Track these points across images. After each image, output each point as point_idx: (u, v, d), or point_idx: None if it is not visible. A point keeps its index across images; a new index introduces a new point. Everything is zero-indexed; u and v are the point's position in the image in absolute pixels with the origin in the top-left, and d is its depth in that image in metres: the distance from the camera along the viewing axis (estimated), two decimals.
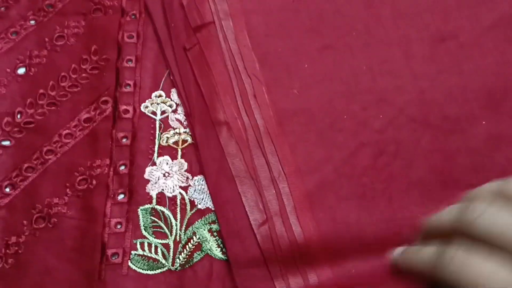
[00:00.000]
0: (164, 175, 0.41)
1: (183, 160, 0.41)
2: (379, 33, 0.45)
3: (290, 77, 0.43)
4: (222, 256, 0.38)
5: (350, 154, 0.40)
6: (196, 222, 0.39)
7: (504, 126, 0.41)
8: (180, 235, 0.39)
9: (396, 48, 0.44)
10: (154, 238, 0.39)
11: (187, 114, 0.43)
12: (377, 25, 0.45)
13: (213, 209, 0.40)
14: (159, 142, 0.42)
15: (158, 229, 0.39)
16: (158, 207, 0.40)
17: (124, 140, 0.42)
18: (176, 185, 0.41)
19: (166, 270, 0.38)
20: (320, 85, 0.43)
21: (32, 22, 0.46)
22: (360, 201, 0.39)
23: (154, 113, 0.43)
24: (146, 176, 0.41)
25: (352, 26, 0.45)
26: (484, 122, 0.41)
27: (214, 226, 0.39)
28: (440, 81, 0.42)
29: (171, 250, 0.39)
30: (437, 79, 0.43)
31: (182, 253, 0.38)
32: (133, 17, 0.47)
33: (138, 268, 0.38)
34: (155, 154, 0.42)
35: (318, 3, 0.46)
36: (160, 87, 0.44)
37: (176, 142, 0.42)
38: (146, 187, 0.40)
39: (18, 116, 0.42)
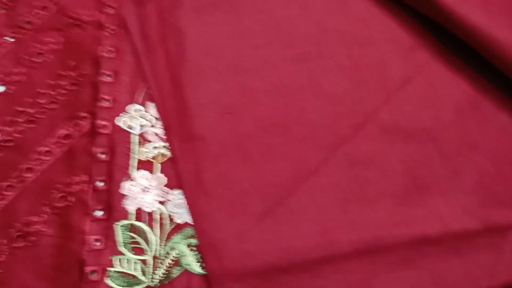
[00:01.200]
0: (142, 190, 0.41)
1: (161, 175, 0.41)
2: None
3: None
4: (202, 271, 0.38)
5: (321, 163, 0.40)
6: (175, 237, 0.39)
7: (475, 132, 0.40)
8: (159, 250, 0.39)
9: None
10: (133, 254, 0.39)
11: (165, 128, 0.43)
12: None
13: (191, 223, 0.39)
14: (138, 157, 0.42)
15: (137, 245, 0.39)
16: (137, 223, 0.40)
17: (102, 156, 0.42)
18: (154, 200, 0.40)
19: (145, 287, 0.38)
20: (293, 97, 0.43)
21: (11, 39, 0.46)
22: (333, 209, 0.38)
23: (131, 127, 0.43)
24: (124, 191, 0.41)
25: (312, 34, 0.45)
26: (455, 129, 0.41)
27: (193, 241, 0.39)
28: (410, 90, 0.42)
29: (150, 266, 0.38)
30: (406, 88, 0.42)
31: (161, 269, 0.38)
32: (111, 32, 0.47)
33: (117, 285, 0.38)
34: (134, 169, 0.41)
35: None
36: (138, 100, 0.44)
37: (154, 157, 0.42)
38: (125, 203, 0.40)
39: None
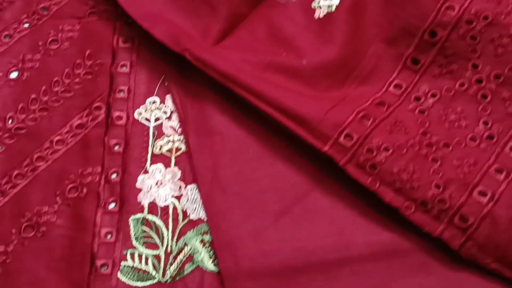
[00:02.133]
0: (156, 183, 0.40)
1: (176, 169, 0.41)
2: None
3: None
4: (214, 268, 0.37)
5: None
6: (188, 233, 0.38)
7: None
8: (171, 246, 0.38)
9: None
10: (145, 248, 0.38)
11: (181, 121, 0.42)
12: None
13: (205, 219, 0.39)
14: (152, 150, 0.41)
15: (149, 240, 0.38)
16: (150, 217, 0.39)
17: (116, 147, 0.41)
18: (168, 194, 0.40)
19: (156, 282, 0.37)
20: None
21: (26, 25, 0.45)
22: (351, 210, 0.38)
23: (148, 120, 0.42)
24: (138, 184, 0.40)
25: None
26: None
27: (206, 237, 0.38)
28: None
29: (162, 262, 0.38)
30: None
31: (173, 265, 0.37)
32: (129, 21, 0.46)
33: (128, 279, 0.37)
34: (148, 162, 0.41)
35: None
36: (155, 93, 0.43)
37: (169, 150, 0.41)
38: (138, 196, 0.40)
39: (9, 121, 0.41)
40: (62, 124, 0.41)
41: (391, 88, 0.40)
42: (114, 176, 0.40)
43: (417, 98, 0.39)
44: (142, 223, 0.39)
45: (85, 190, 0.39)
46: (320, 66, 0.40)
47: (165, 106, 0.43)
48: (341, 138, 0.36)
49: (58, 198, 0.39)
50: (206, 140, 0.41)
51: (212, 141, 0.41)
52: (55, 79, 0.43)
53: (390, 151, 0.36)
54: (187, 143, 0.41)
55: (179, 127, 0.42)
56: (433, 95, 0.39)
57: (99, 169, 0.40)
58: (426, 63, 0.40)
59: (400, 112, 0.39)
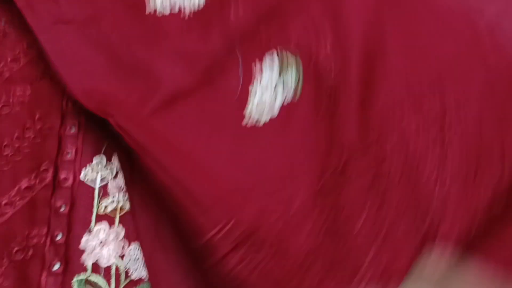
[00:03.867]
0: (100, 244, 0.41)
1: (120, 228, 0.42)
2: None
3: None
4: None
5: None
6: None
7: None
8: None
9: None
10: None
11: (126, 180, 0.43)
12: None
13: (146, 279, 0.40)
14: (97, 211, 0.42)
15: None
16: (93, 277, 0.40)
17: (62, 208, 0.42)
18: (111, 254, 0.41)
19: None
20: None
21: None
22: None
23: (93, 181, 0.43)
24: (82, 245, 0.41)
25: None
26: None
27: None
28: None
29: None
30: None
31: None
32: None
33: None
34: (92, 223, 0.42)
35: None
36: (102, 152, 0.45)
37: (114, 210, 0.42)
38: (82, 257, 0.41)
39: None
40: (10, 187, 0.43)
41: None
42: (59, 237, 0.41)
43: None
44: (86, 284, 0.40)
45: (31, 252, 0.40)
46: None
47: (112, 165, 0.44)
48: None
49: (4, 260, 0.40)
50: (149, 198, 0.42)
51: (155, 200, 0.42)
52: (5, 143, 0.44)
53: None
54: (131, 202, 0.42)
55: (124, 186, 0.43)
56: None
57: (45, 230, 0.41)
58: None
59: None
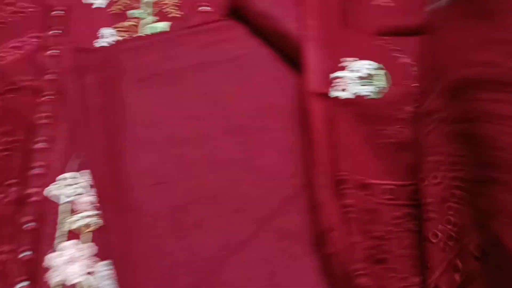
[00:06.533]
0: (68, 261, 0.40)
1: (89, 245, 0.41)
2: None
3: None
4: None
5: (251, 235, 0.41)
6: None
7: None
8: None
9: None
10: None
11: (98, 196, 0.43)
12: None
13: None
14: (67, 226, 0.41)
15: None
16: None
17: (28, 225, 0.41)
18: (77, 272, 0.39)
19: None
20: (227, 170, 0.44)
21: None
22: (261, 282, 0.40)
23: (58, 197, 0.42)
24: (48, 262, 0.39)
25: None
26: None
27: None
28: None
29: None
30: None
31: None
32: (50, 97, 0.47)
33: None
34: (61, 239, 0.40)
35: None
36: (71, 168, 0.44)
37: (83, 226, 0.41)
38: (48, 275, 0.39)
39: None
40: None
41: None
42: (25, 254, 0.39)
43: None
44: None
45: None
46: None
47: (82, 181, 0.43)
48: None
49: None
50: (121, 215, 0.41)
51: (127, 216, 0.41)
52: None
53: None
54: (103, 218, 0.41)
55: (94, 202, 0.42)
56: None
57: (8, 247, 0.39)
58: None
59: None
